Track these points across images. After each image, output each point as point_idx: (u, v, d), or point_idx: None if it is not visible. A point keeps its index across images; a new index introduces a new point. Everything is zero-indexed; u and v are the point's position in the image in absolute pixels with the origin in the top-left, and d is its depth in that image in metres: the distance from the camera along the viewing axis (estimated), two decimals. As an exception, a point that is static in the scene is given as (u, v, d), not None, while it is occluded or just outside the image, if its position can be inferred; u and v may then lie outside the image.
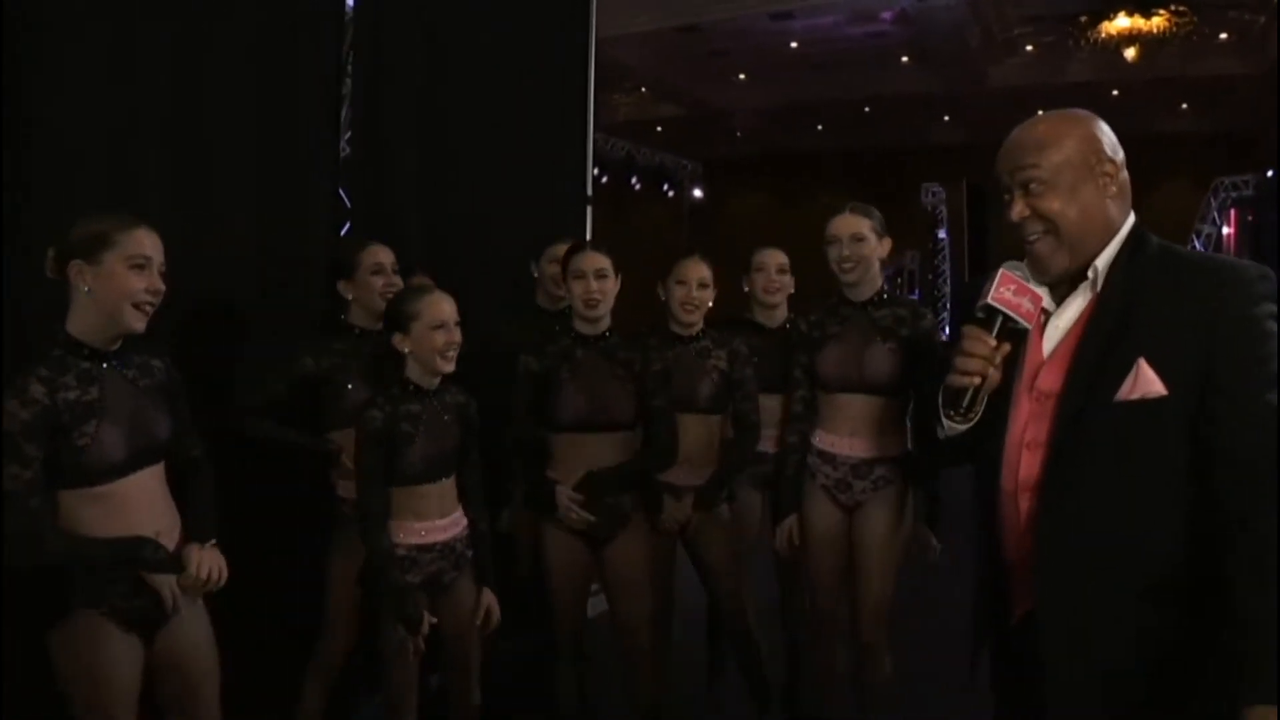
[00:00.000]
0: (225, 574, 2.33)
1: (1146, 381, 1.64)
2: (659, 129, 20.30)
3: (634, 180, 19.02)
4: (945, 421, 1.83)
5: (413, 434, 2.75)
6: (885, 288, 3.24)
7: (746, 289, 3.64)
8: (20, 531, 2.07)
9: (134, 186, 2.87)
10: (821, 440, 3.23)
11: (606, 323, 3.12)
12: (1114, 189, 1.76)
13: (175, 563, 2.24)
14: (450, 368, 2.79)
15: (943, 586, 3.70)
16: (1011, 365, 1.82)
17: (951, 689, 2.26)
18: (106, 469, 2.19)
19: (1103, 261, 1.76)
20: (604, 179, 16.17)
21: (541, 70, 4.29)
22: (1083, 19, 13.03)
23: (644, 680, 3.17)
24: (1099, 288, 1.76)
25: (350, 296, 3.14)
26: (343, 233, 3.62)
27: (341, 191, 3.62)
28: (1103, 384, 1.68)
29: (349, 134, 3.65)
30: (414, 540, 2.78)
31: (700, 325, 3.41)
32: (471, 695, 2.95)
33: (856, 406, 3.15)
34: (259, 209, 3.26)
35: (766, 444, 3.50)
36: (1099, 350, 1.70)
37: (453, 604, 2.87)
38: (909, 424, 3.18)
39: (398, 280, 3.15)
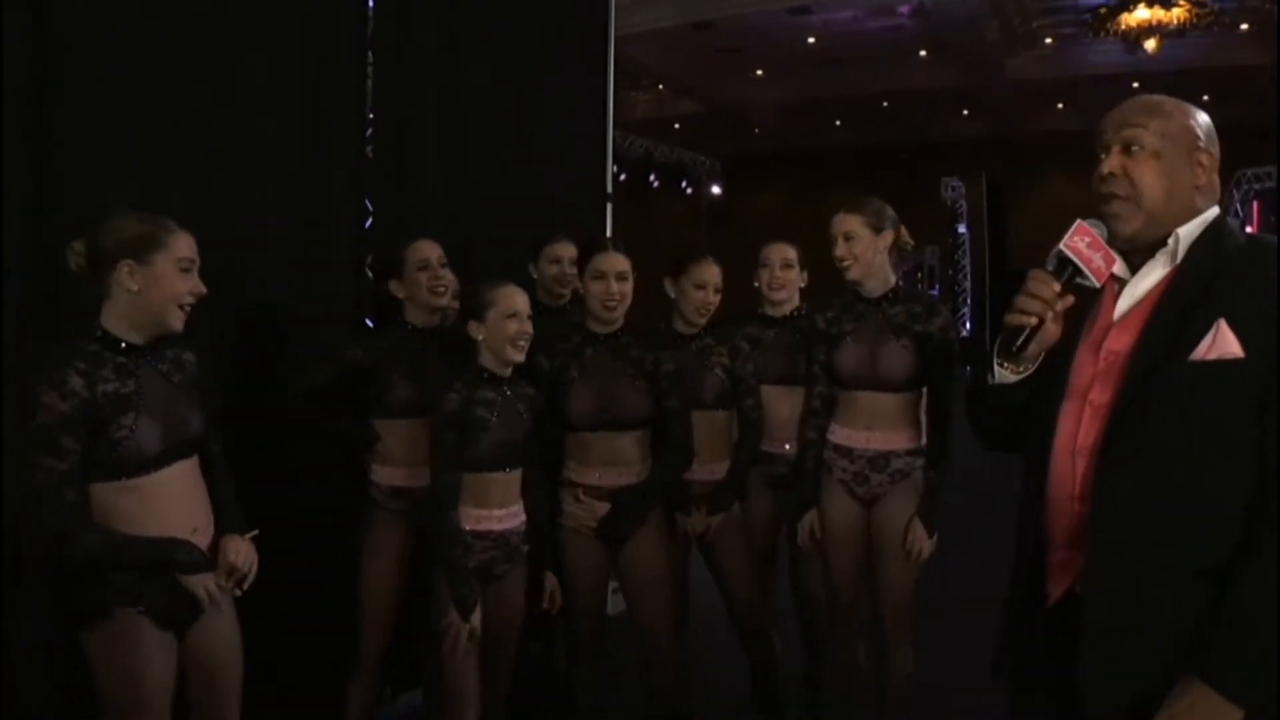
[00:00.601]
0: (255, 567, 2.37)
1: (1225, 342, 1.60)
2: (676, 126, 20.31)
3: (652, 178, 19.02)
4: (996, 367, 1.81)
5: (488, 419, 2.78)
6: (899, 283, 3.23)
7: (756, 284, 3.64)
8: (55, 528, 2.07)
9: (159, 188, 2.90)
10: (838, 434, 3.23)
11: (620, 322, 3.14)
12: (1204, 179, 1.76)
13: (209, 562, 2.27)
14: (521, 357, 2.83)
15: (966, 581, 3.70)
16: (1077, 327, 1.80)
17: (974, 686, 2.22)
18: (142, 461, 2.20)
19: (1185, 231, 1.74)
20: (622, 176, 16.18)
21: (561, 69, 4.32)
22: (1102, 11, 12.95)
23: (663, 680, 3.17)
24: (1179, 259, 1.73)
25: (402, 295, 3.15)
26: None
27: (368, 201, 3.66)
28: (1178, 344, 1.64)
29: (370, 133, 3.68)
30: (470, 526, 2.80)
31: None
32: (502, 684, 2.98)
33: (872, 402, 3.15)
34: (286, 211, 3.30)
35: (773, 443, 3.50)
36: (1176, 313, 1.67)
37: (500, 595, 2.89)
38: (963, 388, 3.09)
39: (446, 274, 3.15)
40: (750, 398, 3.40)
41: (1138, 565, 1.63)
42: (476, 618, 2.74)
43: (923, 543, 3.08)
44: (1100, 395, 1.73)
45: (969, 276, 18.63)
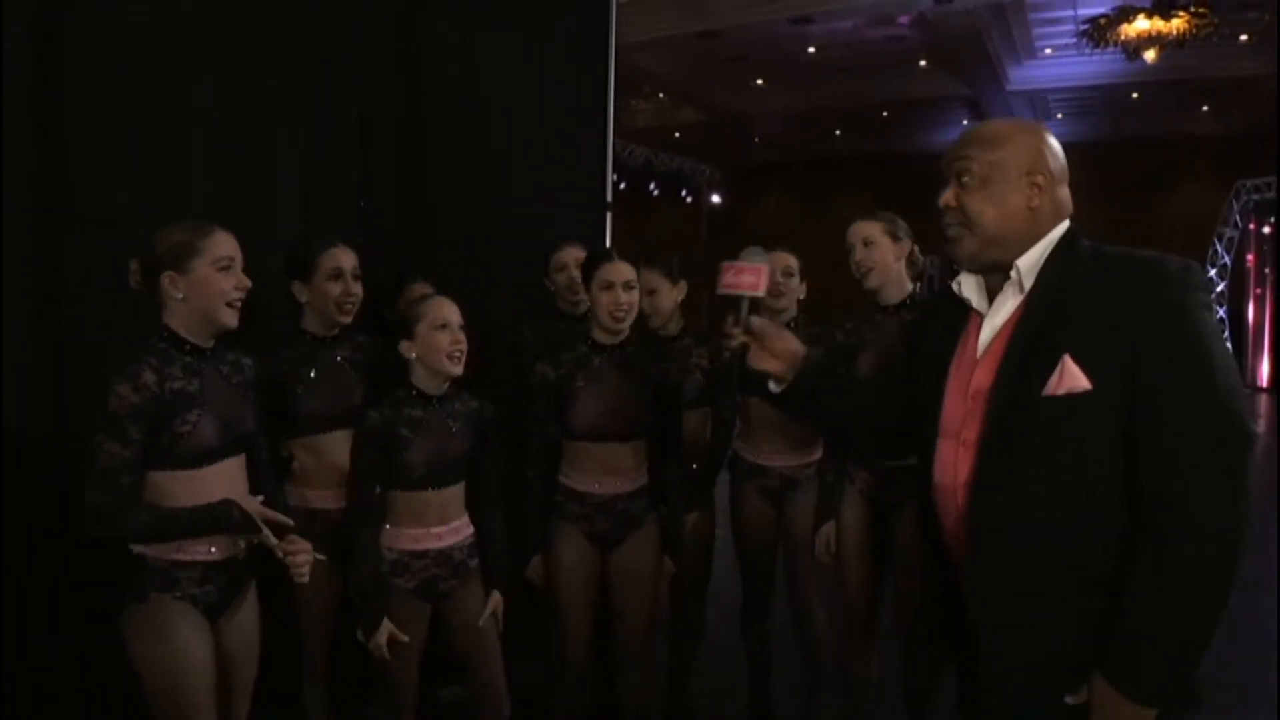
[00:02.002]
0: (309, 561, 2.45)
1: (1072, 377, 1.66)
2: (677, 135, 20.33)
3: (652, 186, 19.04)
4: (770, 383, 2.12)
5: (410, 439, 2.76)
6: (916, 291, 3.22)
7: None
8: (104, 504, 2.20)
9: (160, 188, 2.94)
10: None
11: (627, 332, 3.12)
12: (1041, 200, 1.80)
13: (253, 523, 2.32)
14: (458, 370, 2.79)
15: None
16: (945, 361, 1.91)
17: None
18: (199, 455, 2.34)
19: (1024, 263, 1.80)
20: (622, 185, 16.22)
21: (562, 77, 4.32)
22: (1102, 21, 12.96)
23: (637, 681, 3.18)
24: (1026, 289, 1.80)
25: (304, 300, 2.98)
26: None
27: (361, 201, 3.64)
28: (1030, 380, 1.71)
29: (367, 140, 3.66)
30: (406, 545, 2.79)
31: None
32: (500, 707, 2.94)
33: None
34: (283, 216, 3.30)
35: (764, 456, 3.53)
36: (1026, 348, 1.74)
37: (457, 613, 2.88)
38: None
39: (357, 289, 2.99)
40: (727, 398, 3.43)
41: (1020, 587, 1.72)
42: (383, 635, 2.72)
43: None
44: (970, 433, 1.81)
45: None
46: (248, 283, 2.40)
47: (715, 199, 21.10)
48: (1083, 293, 1.71)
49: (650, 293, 3.43)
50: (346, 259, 2.97)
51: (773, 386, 2.14)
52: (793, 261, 3.58)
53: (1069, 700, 1.69)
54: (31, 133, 2.67)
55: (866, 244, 3.13)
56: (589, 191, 4.52)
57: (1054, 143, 1.85)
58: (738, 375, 2.12)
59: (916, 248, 3.23)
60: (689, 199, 20.59)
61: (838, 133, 21.06)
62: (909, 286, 3.20)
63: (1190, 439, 1.60)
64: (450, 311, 2.80)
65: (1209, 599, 1.59)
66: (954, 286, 1.92)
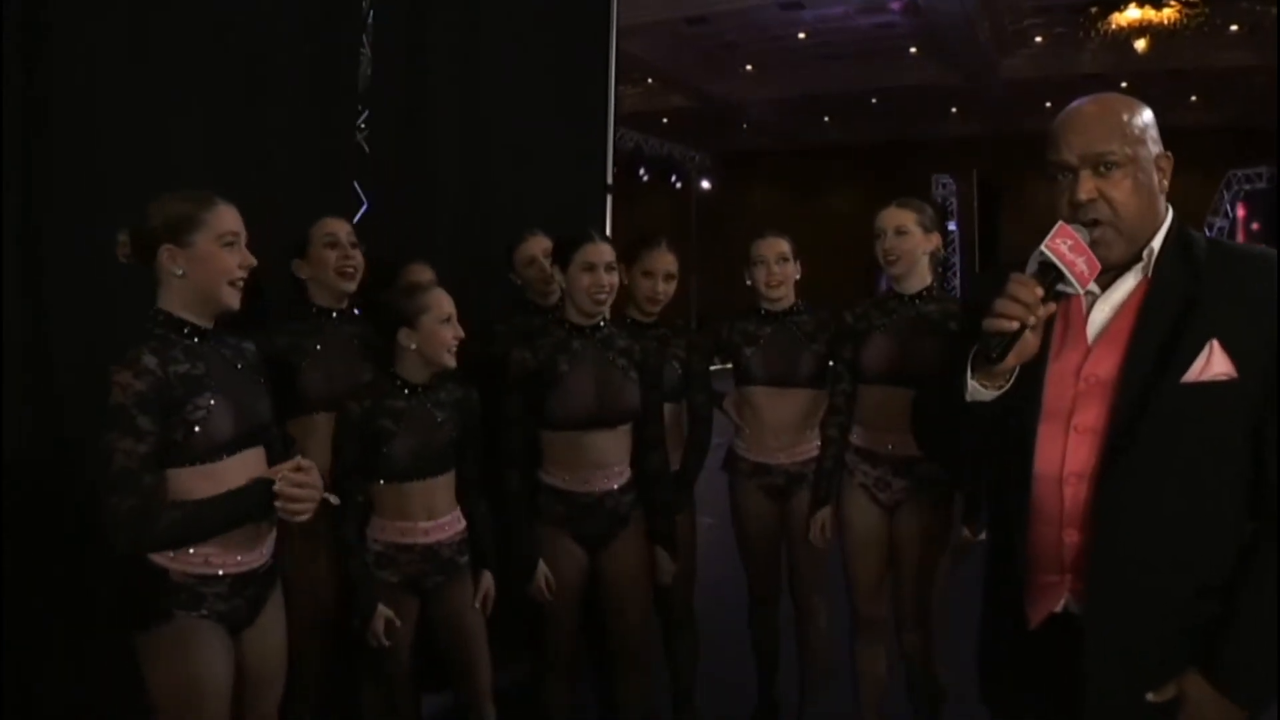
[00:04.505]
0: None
1: (1218, 363, 1.58)
2: (665, 120, 20.26)
3: (642, 172, 18.97)
4: (971, 383, 1.68)
5: (394, 430, 2.69)
6: (935, 284, 3.16)
7: (749, 282, 3.48)
8: (128, 509, 1.99)
9: (157, 179, 2.84)
10: (860, 437, 3.17)
11: (605, 313, 3.03)
12: (1167, 181, 1.72)
13: (296, 494, 2.12)
14: (454, 362, 2.75)
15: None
16: (1044, 345, 1.70)
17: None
18: (217, 446, 2.13)
19: (1156, 245, 1.70)
20: (614, 170, 16.15)
21: (562, 63, 4.31)
22: (1093, 10, 13.00)
23: (636, 683, 3.12)
24: (1149, 272, 1.69)
25: (304, 275, 2.93)
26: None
27: (358, 186, 3.61)
28: (1168, 367, 1.61)
29: (367, 130, 3.66)
30: (392, 538, 2.74)
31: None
32: (485, 712, 2.89)
33: (899, 401, 2.75)
34: (279, 201, 3.24)
35: (765, 452, 3.46)
36: (1161, 333, 1.63)
37: (444, 611, 2.83)
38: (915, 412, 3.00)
39: (357, 255, 2.93)
40: (704, 394, 3.37)
41: (1140, 588, 1.64)
42: (379, 621, 2.67)
43: (966, 551, 3.04)
44: (1086, 419, 1.68)
45: (959, 274, 18.67)
46: (253, 260, 2.21)
47: (705, 185, 21.06)
48: (1214, 284, 1.63)
49: (668, 278, 3.33)
50: (339, 227, 2.93)
51: (990, 386, 1.69)
52: (786, 246, 3.45)
53: (1151, 698, 1.63)
54: (15, 126, 2.55)
55: (899, 232, 3.06)
56: (590, 176, 4.52)
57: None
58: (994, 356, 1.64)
59: (941, 241, 3.18)
60: (678, 185, 20.53)
61: (827, 119, 21.04)
62: (929, 279, 3.14)
63: None
64: (451, 305, 2.75)
65: None
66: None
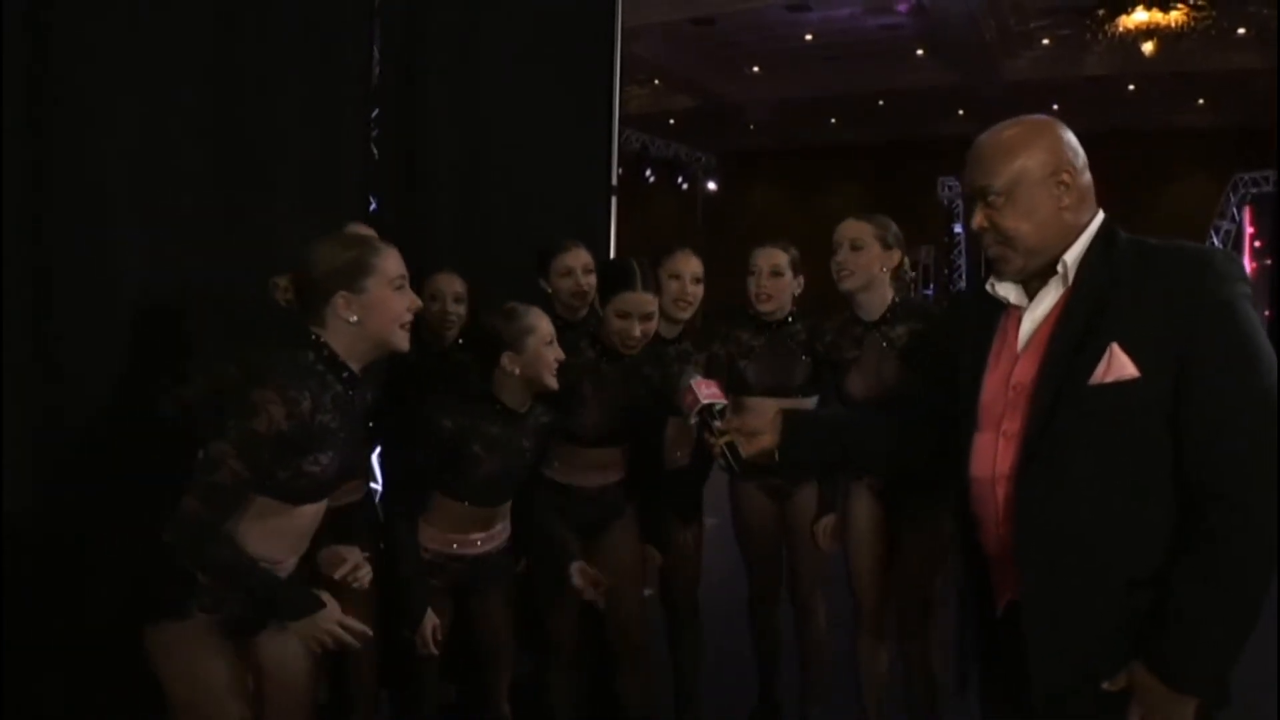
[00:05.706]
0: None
1: (1119, 365, 1.65)
2: (672, 121, 20.27)
3: (648, 173, 18.97)
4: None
5: (482, 458, 2.65)
6: (896, 300, 3.05)
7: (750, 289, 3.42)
8: (203, 525, 1.98)
9: (162, 185, 2.87)
10: None
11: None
12: (1070, 198, 1.77)
13: (318, 602, 2.14)
14: (557, 385, 2.71)
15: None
16: (982, 357, 1.89)
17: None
18: (313, 494, 2.15)
19: (1071, 256, 1.77)
20: (620, 171, 16.15)
21: (567, 64, 4.31)
22: (1100, 12, 12.97)
23: (636, 677, 3.14)
24: (1070, 281, 1.77)
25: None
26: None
27: (366, 189, 3.63)
28: (1076, 370, 1.69)
29: (376, 132, 3.66)
30: (443, 549, 2.74)
31: None
32: (500, 707, 2.94)
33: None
34: (290, 208, 3.25)
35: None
36: (1072, 338, 1.72)
37: (484, 608, 2.87)
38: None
39: (459, 309, 3.18)
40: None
41: (1069, 582, 1.71)
42: (428, 626, 2.65)
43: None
44: (1012, 425, 1.80)
45: (964, 276, 18.63)
46: (419, 302, 2.22)
47: (711, 186, 21.04)
48: (1128, 284, 1.70)
49: (695, 280, 3.27)
50: (450, 285, 3.18)
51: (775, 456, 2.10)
52: (782, 259, 3.34)
53: (1105, 686, 1.69)
54: (18, 128, 2.53)
55: (854, 247, 2.99)
56: (594, 178, 4.51)
57: (1067, 133, 1.81)
58: (738, 470, 2.15)
59: (906, 260, 3.10)
60: (684, 185, 20.51)
61: (833, 120, 21.03)
62: (890, 297, 3.04)
63: (1237, 432, 1.60)
64: (550, 325, 2.71)
65: (1253, 590, 1.60)
66: (989, 286, 1.88)
